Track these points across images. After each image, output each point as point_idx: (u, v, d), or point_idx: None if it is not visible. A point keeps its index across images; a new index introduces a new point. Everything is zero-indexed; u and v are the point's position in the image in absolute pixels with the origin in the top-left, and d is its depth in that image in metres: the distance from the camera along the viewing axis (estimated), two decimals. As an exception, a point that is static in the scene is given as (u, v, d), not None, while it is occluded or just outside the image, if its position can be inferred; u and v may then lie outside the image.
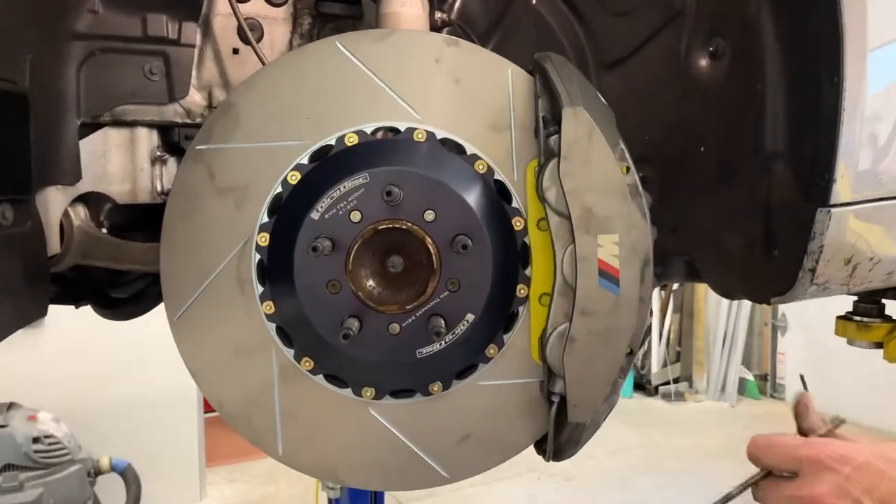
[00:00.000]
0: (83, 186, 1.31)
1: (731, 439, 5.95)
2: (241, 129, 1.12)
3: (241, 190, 1.12)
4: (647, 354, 7.92)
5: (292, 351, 1.12)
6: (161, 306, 1.18)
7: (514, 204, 1.11)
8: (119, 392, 4.76)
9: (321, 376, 1.13)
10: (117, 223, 1.43)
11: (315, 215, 1.07)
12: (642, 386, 7.99)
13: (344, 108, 1.11)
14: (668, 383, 7.86)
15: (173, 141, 1.40)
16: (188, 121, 1.37)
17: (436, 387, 1.13)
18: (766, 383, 8.06)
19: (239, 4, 1.35)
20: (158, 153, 1.38)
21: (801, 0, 1.25)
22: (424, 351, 1.09)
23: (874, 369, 3.45)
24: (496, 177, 1.11)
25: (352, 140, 1.10)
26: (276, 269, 1.10)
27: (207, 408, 5.07)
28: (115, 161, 1.36)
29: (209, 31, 1.41)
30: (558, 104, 1.05)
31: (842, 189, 1.25)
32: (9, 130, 1.14)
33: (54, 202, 1.29)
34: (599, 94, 1.13)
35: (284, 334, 1.13)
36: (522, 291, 1.11)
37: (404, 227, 1.07)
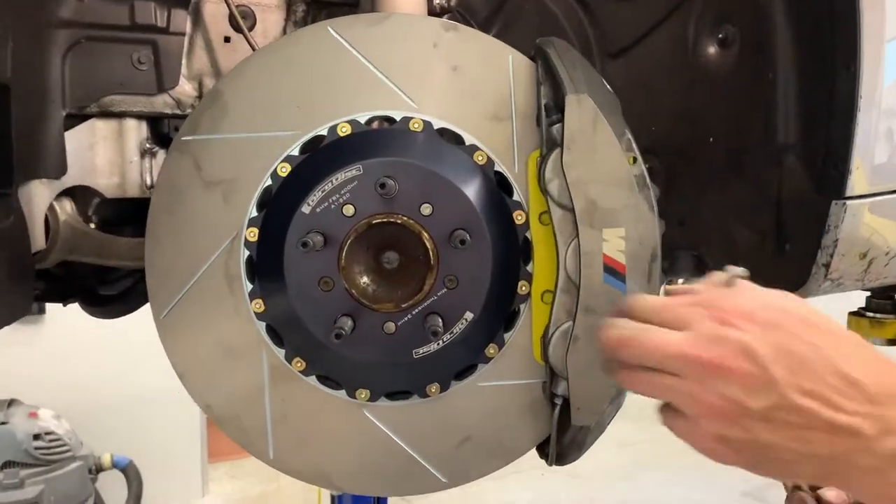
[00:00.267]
0: (69, 180, 1.27)
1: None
2: (229, 119, 1.07)
3: (229, 183, 1.07)
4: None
5: (283, 351, 1.08)
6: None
7: (516, 197, 1.06)
8: (121, 388, 4.73)
9: (314, 377, 1.08)
10: (106, 218, 1.39)
11: (306, 209, 1.02)
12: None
13: (336, 97, 1.06)
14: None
15: (163, 133, 1.35)
16: (178, 112, 1.33)
17: (433, 388, 1.08)
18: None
19: (230, -9, 1.31)
20: (148, 145, 1.33)
21: None
22: (421, 351, 1.05)
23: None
24: (496, 168, 1.06)
25: (344, 130, 1.05)
26: (265, 266, 1.05)
27: (209, 404, 5.03)
28: (103, 154, 1.31)
29: (199, 19, 1.36)
30: (561, 91, 1.00)
31: (857, 181, 1.20)
32: (-12, 122, 1.10)
33: (39, 196, 1.25)
34: (605, 81, 1.08)
35: (275, 334, 1.08)
36: (524, 288, 1.06)
37: (399, 221, 1.02)
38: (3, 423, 3.76)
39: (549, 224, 1.03)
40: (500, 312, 1.07)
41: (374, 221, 1.02)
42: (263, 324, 1.08)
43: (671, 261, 1.59)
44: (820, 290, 1.29)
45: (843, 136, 1.18)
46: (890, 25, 1.17)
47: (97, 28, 1.26)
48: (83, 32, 1.25)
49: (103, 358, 4.60)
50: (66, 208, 1.29)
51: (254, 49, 1.26)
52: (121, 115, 1.31)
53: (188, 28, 1.33)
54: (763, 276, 1.36)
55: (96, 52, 1.26)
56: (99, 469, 4.01)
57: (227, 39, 1.38)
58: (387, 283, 1.05)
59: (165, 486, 4.67)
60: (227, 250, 1.07)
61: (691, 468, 5.40)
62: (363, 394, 1.08)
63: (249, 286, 1.07)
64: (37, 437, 3.75)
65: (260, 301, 1.07)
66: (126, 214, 1.37)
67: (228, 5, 1.28)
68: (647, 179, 1.02)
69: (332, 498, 3.60)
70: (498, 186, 1.06)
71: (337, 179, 1.02)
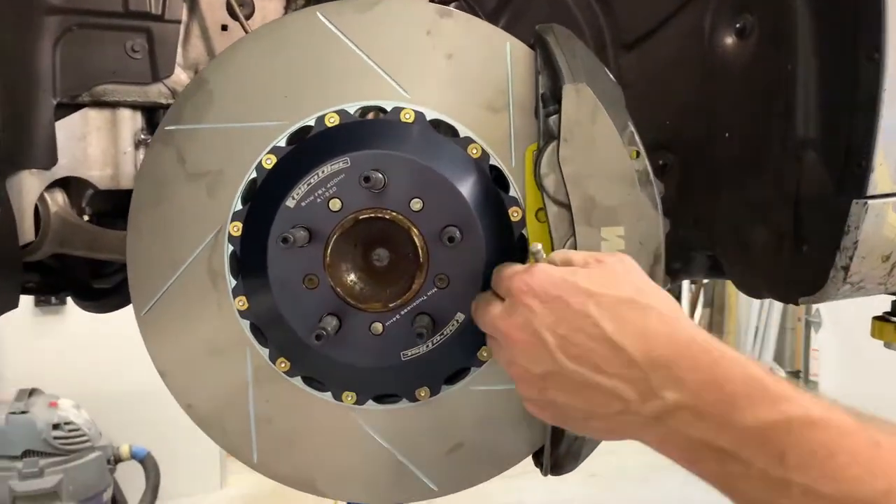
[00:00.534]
0: (60, 171, 1.24)
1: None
2: (213, 109, 1.03)
3: (214, 175, 1.03)
4: (677, 349, 7.75)
5: (267, 350, 1.04)
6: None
7: (512, 192, 1.01)
8: (141, 380, 4.70)
9: (299, 378, 1.04)
10: (100, 210, 1.36)
11: (291, 203, 0.98)
12: (671, 380, 7.81)
13: (325, 86, 1.01)
14: (697, 378, 7.67)
15: (158, 123, 1.32)
16: (173, 102, 1.29)
17: (423, 392, 1.03)
18: (798, 380, 7.85)
19: (228, -23, 1.27)
20: (142, 136, 1.30)
21: None
22: (409, 353, 1.00)
23: (914, 370, 3.29)
24: (492, 162, 1.01)
25: (332, 120, 1.01)
26: (249, 262, 1.01)
27: (228, 397, 5.03)
28: (96, 144, 1.28)
29: (196, 7, 1.33)
30: (559, 80, 0.94)
31: (880, 179, 1.13)
32: (-28, 110, 1.07)
33: (28, 187, 1.22)
34: (608, 71, 1.02)
35: (259, 332, 1.04)
36: (520, 289, 1.01)
37: (388, 216, 0.97)
38: (24, 413, 3.79)
39: (545, 221, 0.98)
40: (494, 314, 1.01)
41: (360, 217, 0.97)
42: (247, 322, 1.03)
43: (686, 261, 1.52)
44: (839, 295, 1.22)
45: (865, 131, 1.11)
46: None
47: (89, 15, 1.22)
48: (75, 19, 1.21)
49: (124, 349, 4.58)
50: (58, 200, 1.27)
51: (251, 38, 1.22)
52: (114, 105, 1.27)
53: (184, 16, 1.30)
54: (779, 279, 1.31)
55: (89, 40, 1.22)
56: (117, 460, 4.03)
57: (224, 28, 1.34)
58: (376, 281, 1.00)
59: (184, 478, 4.68)
60: (211, 245, 1.03)
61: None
62: (349, 396, 1.03)
63: (233, 283, 1.03)
64: (56, 426, 3.78)
65: (243, 298, 1.03)
66: (121, 206, 1.34)
67: (225, -8, 1.24)
68: (651, 175, 0.96)
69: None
70: (494, 182, 1.01)
71: (323, 172, 0.97)
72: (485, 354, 1.02)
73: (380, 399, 1.04)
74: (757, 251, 1.33)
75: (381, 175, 0.95)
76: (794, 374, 7.86)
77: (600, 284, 0.79)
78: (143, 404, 4.70)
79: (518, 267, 0.88)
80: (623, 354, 0.75)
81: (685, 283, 7.57)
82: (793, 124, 1.23)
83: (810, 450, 0.66)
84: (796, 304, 1.28)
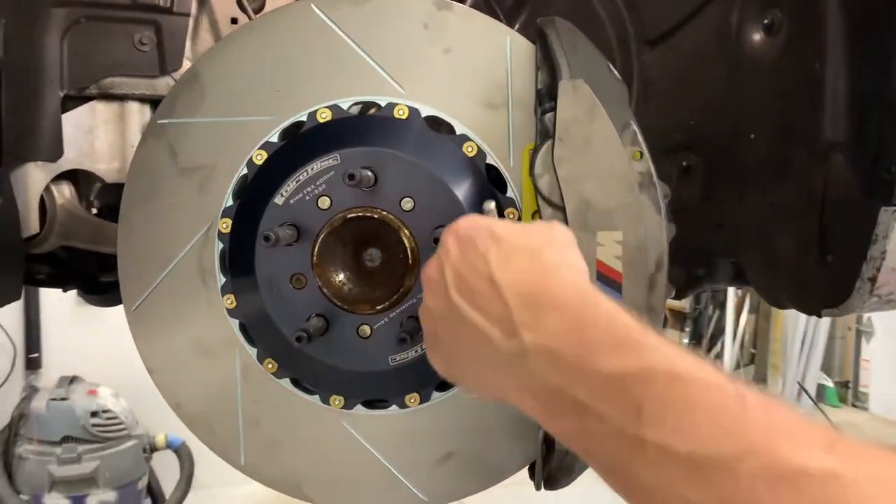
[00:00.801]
0: (66, 163, 1.24)
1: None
2: (206, 102, 1.00)
3: (206, 170, 1.00)
4: (720, 355, 7.58)
5: (255, 350, 1.01)
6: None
7: (509, 193, 0.96)
8: (179, 370, 4.81)
9: (287, 380, 1.01)
10: (109, 204, 1.35)
11: (279, 200, 0.95)
12: (715, 388, 7.63)
13: (318, 80, 0.98)
14: (741, 386, 7.48)
15: (167, 117, 1.31)
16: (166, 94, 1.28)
17: (413, 399, 0.99)
18: (847, 391, 7.60)
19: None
20: None
21: None
22: (398, 358, 0.96)
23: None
24: (488, 161, 0.96)
25: (325, 116, 0.97)
26: (238, 260, 0.99)
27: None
28: (104, 137, 1.27)
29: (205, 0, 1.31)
30: (557, 77, 0.89)
31: (910, 187, 1.06)
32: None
33: (33, 179, 1.22)
34: (612, 68, 0.97)
35: (248, 332, 1.01)
36: (515, 293, 0.96)
37: (377, 216, 0.93)
38: (64, 399, 3.87)
39: (541, 224, 0.93)
40: (488, 319, 0.97)
41: (349, 216, 0.94)
42: (236, 321, 1.01)
43: (709, 268, 1.46)
44: (864, 307, 1.14)
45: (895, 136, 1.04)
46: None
47: (97, 7, 1.22)
48: (83, 11, 1.21)
49: (163, 340, 4.68)
50: (65, 192, 1.26)
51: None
52: (122, 98, 1.27)
53: (194, 9, 1.28)
54: (803, 288, 1.24)
55: (97, 33, 1.22)
56: (153, 448, 4.09)
57: (234, 21, 1.33)
58: (366, 282, 0.97)
59: (216, 468, 4.71)
60: (201, 242, 1.01)
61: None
62: (337, 400, 1.00)
63: (223, 280, 1.01)
64: (94, 414, 3.85)
65: (232, 297, 1.00)
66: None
67: (235, -15, 1.22)
68: (654, 177, 0.91)
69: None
70: (491, 182, 0.97)
71: (313, 169, 0.95)
72: (478, 361, 0.98)
73: (369, 404, 1.01)
74: (780, 259, 1.26)
75: (370, 173, 0.92)
76: (843, 385, 7.60)
77: (513, 233, 0.78)
78: (181, 395, 4.79)
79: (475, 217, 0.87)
80: (498, 293, 0.73)
81: (730, 289, 7.38)
82: (820, 126, 1.17)
83: (668, 402, 0.60)
84: (819, 315, 1.21)
